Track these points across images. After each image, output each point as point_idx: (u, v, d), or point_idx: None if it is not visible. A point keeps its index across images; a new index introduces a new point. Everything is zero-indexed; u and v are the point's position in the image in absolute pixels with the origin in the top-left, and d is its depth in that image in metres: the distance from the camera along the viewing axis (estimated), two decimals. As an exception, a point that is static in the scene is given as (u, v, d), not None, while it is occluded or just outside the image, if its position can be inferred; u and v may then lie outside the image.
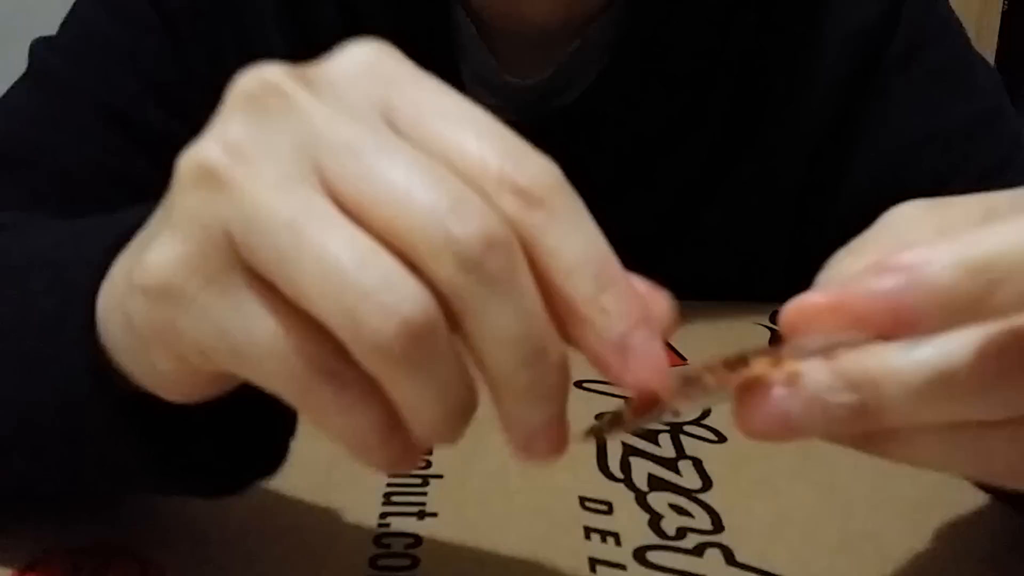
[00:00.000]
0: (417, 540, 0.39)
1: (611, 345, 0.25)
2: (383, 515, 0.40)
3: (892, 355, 0.25)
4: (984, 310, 0.23)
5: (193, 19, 0.60)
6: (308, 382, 0.25)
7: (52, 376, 0.32)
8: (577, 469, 0.44)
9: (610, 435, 0.28)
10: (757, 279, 0.67)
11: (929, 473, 0.44)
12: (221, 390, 0.30)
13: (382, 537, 0.39)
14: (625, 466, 0.44)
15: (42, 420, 0.34)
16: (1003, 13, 2.14)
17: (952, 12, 0.64)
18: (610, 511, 0.41)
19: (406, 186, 0.24)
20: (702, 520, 0.41)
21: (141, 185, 0.59)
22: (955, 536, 0.41)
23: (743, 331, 0.60)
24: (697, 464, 0.45)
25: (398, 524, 0.40)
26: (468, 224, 0.24)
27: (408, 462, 0.27)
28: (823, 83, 0.61)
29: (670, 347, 0.57)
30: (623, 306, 0.25)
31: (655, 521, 0.41)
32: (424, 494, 0.42)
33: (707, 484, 0.43)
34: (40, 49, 0.62)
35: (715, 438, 0.47)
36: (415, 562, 0.37)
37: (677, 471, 0.44)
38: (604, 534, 0.39)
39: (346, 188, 0.24)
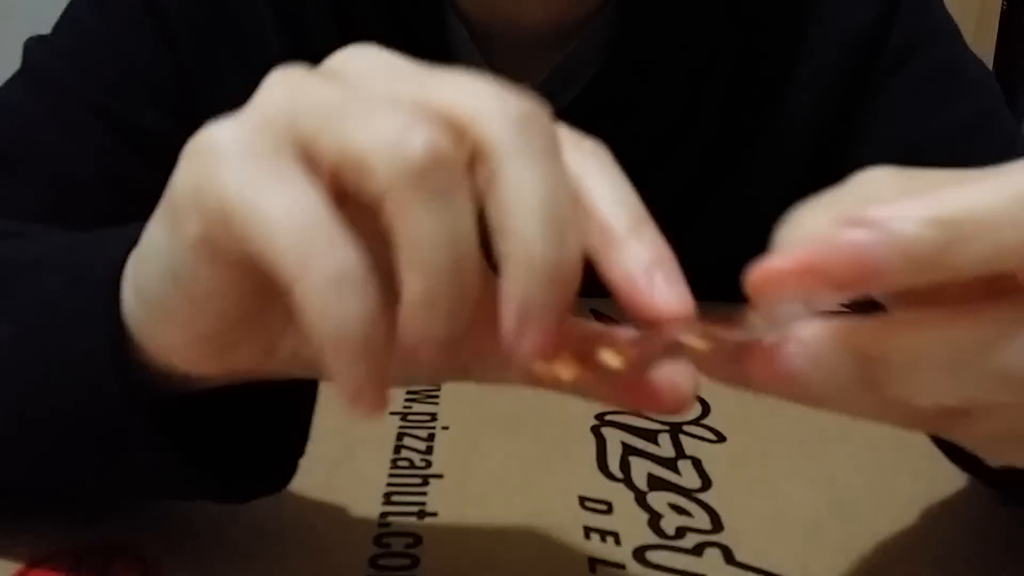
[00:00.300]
0: (417, 540, 0.39)
1: (641, 271, 0.27)
2: (383, 515, 0.40)
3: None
4: (952, 267, 0.23)
5: (188, 21, 0.60)
6: (311, 245, 0.25)
7: (76, 369, 0.33)
8: (577, 469, 0.44)
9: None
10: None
11: (929, 473, 0.45)
12: (231, 357, 0.30)
13: (382, 537, 0.39)
14: (625, 466, 0.44)
15: (64, 415, 0.34)
16: (1002, 13, 2.14)
17: (947, 13, 0.64)
18: (610, 511, 0.41)
19: (463, 86, 0.27)
20: (701, 520, 0.41)
21: (136, 187, 0.59)
22: (954, 535, 0.41)
23: (743, 331, 0.60)
24: (697, 464, 0.45)
25: (398, 524, 0.40)
26: (514, 103, 0.26)
27: (379, 380, 0.25)
28: (820, 83, 0.61)
29: (670, 347, 0.57)
30: (656, 241, 0.28)
31: (655, 521, 0.41)
32: (424, 494, 0.42)
33: (707, 484, 0.43)
34: (34, 48, 0.62)
35: (715, 438, 0.47)
36: (415, 562, 0.37)
37: (677, 471, 0.44)
38: (604, 534, 0.39)
39: (408, 91, 0.26)
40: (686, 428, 0.48)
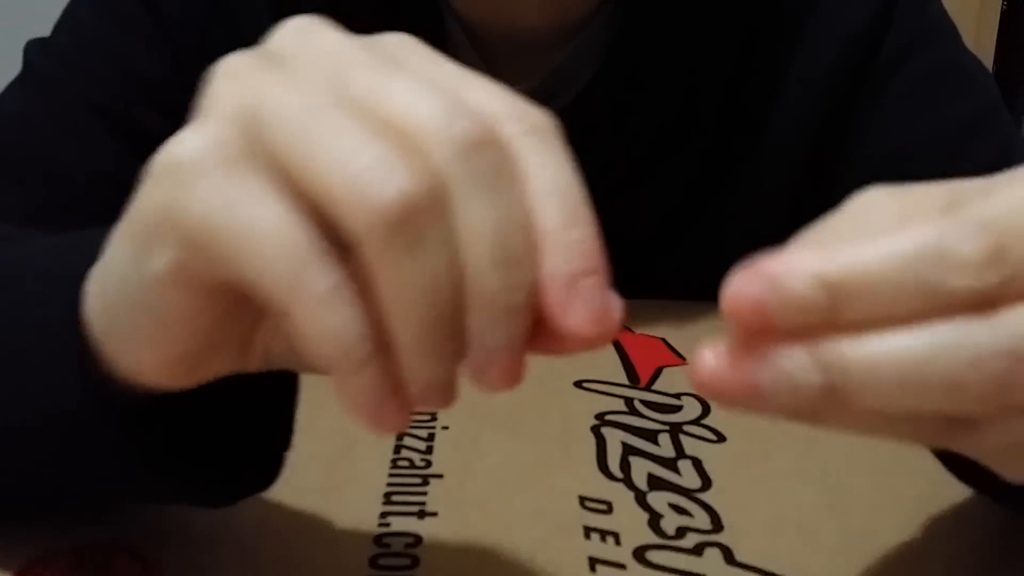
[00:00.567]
0: (417, 540, 0.39)
1: (562, 279, 0.25)
2: (383, 515, 0.40)
3: (867, 342, 0.24)
4: (839, 323, 0.24)
5: (187, 22, 0.60)
6: (302, 265, 0.25)
7: (43, 382, 0.32)
8: (577, 469, 0.44)
9: None
10: None
11: (929, 472, 0.44)
12: (205, 370, 0.30)
13: (382, 537, 0.39)
14: (625, 466, 0.44)
15: (36, 428, 0.33)
16: (1002, 13, 2.14)
17: (945, 13, 0.64)
18: (610, 511, 0.41)
19: (415, 93, 0.26)
20: (701, 520, 0.41)
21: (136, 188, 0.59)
22: (954, 535, 0.41)
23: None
24: (697, 464, 0.45)
25: (398, 524, 0.40)
26: (464, 121, 0.25)
27: (381, 394, 0.25)
28: (816, 86, 0.61)
29: (670, 347, 0.57)
30: (586, 248, 0.26)
31: (655, 521, 0.41)
32: (424, 494, 0.42)
33: (707, 484, 0.43)
34: (34, 51, 0.62)
35: (715, 438, 0.47)
36: (415, 562, 0.37)
37: (677, 471, 0.44)
38: (604, 534, 0.39)
39: (360, 93, 0.26)
40: (686, 428, 0.48)
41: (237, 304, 0.28)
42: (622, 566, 0.38)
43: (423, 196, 0.24)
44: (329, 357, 0.25)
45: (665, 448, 0.46)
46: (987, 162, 0.61)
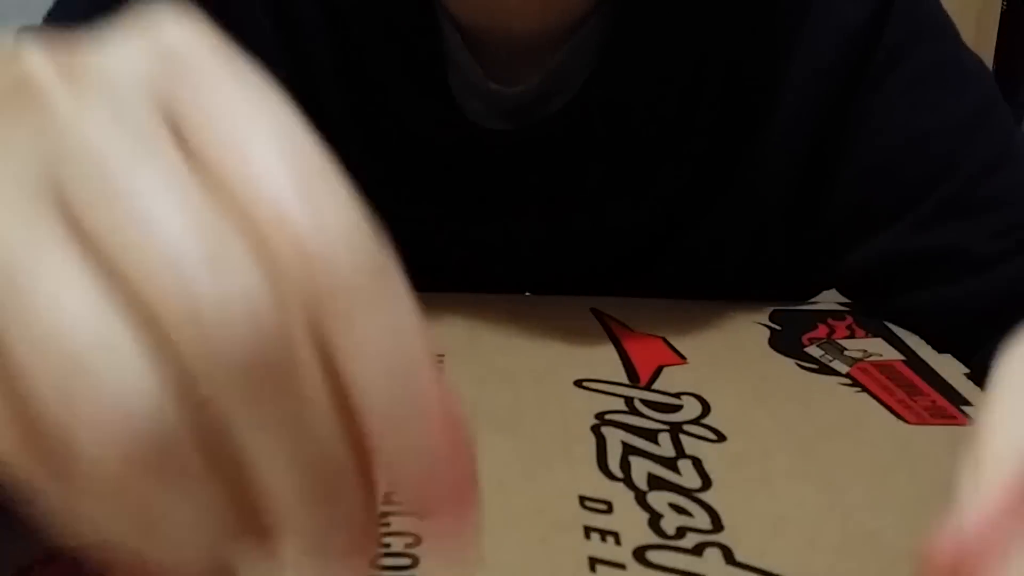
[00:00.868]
0: (417, 540, 0.39)
1: (409, 490, 0.22)
2: (383, 514, 0.40)
3: None
4: None
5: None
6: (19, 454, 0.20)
7: None
8: (577, 468, 0.44)
9: None
10: (752, 281, 0.67)
11: (929, 473, 0.44)
12: None
13: (382, 536, 0.39)
14: (625, 465, 0.44)
15: None
16: (1002, 13, 2.14)
17: (942, 10, 0.64)
18: (610, 510, 0.41)
19: (147, 224, 0.19)
20: (702, 519, 0.41)
21: None
22: (955, 536, 0.41)
23: (743, 330, 0.60)
24: (697, 463, 0.45)
25: (398, 523, 0.40)
26: (225, 293, 0.18)
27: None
28: (814, 84, 0.61)
29: (670, 346, 0.57)
30: (427, 441, 0.21)
31: (655, 520, 0.41)
32: (424, 493, 0.42)
33: (707, 483, 0.43)
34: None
35: (715, 438, 0.47)
36: (415, 562, 0.37)
37: (677, 470, 0.44)
38: (604, 533, 0.39)
39: (86, 217, 0.19)
40: (686, 428, 0.48)
41: None
42: (622, 566, 0.38)
43: (157, 427, 0.18)
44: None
45: (665, 448, 0.46)
46: (987, 157, 0.61)
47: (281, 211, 0.19)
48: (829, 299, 0.67)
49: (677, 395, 0.51)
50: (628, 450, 0.46)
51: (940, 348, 0.59)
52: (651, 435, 0.47)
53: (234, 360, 0.18)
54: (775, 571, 0.38)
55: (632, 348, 0.56)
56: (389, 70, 0.60)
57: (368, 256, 0.20)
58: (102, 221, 0.19)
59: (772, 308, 0.63)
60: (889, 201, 0.62)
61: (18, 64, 0.21)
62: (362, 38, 0.60)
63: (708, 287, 0.66)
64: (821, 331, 0.61)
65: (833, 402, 0.52)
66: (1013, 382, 0.26)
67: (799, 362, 0.56)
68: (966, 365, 0.58)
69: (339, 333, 0.19)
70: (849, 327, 0.61)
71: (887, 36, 0.61)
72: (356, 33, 0.60)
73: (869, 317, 0.62)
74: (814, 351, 0.58)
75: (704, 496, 0.42)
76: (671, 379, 0.53)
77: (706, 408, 0.50)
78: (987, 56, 2.01)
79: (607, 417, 0.49)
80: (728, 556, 0.39)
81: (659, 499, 0.42)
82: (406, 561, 0.37)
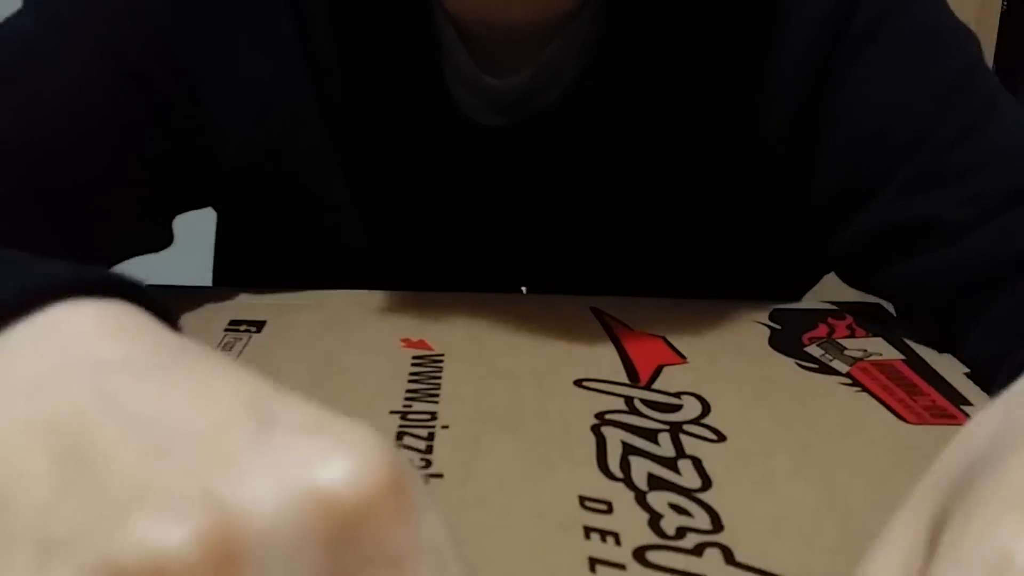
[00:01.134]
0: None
1: None
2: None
3: None
4: None
5: (200, 14, 0.60)
6: None
7: None
8: (577, 468, 0.44)
9: None
10: (749, 273, 0.67)
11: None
12: None
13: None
14: (625, 465, 0.44)
15: None
16: (1002, 13, 2.14)
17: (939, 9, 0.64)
18: (610, 511, 0.41)
19: None
20: (702, 520, 0.41)
21: (132, 131, 0.59)
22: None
23: (743, 330, 0.60)
24: (697, 463, 0.45)
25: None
26: None
27: None
28: (794, 66, 0.61)
29: (670, 346, 0.57)
30: None
31: (655, 521, 0.40)
32: (424, 494, 0.42)
33: (707, 483, 0.43)
34: (6, 29, 0.61)
35: (715, 437, 0.47)
36: (415, 562, 0.37)
37: (677, 470, 0.44)
38: (604, 534, 0.39)
39: None
40: (686, 428, 0.48)
41: None
42: (622, 566, 0.38)
43: None
44: None
45: (665, 448, 0.46)
46: (969, 119, 0.60)
47: None
48: (829, 300, 0.67)
49: (677, 395, 0.51)
50: (628, 450, 0.46)
51: (920, 320, 0.59)
52: (651, 435, 0.47)
53: None
54: (775, 571, 0.38)
55: (632, 348, 0.56)
56: (386, 63, 0.60)
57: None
58: None
59: (772, 307, 0.63)
60: (868, 177, 0.61)
61: (158, 544, 0.17)
62: (361, 30, 0.60)
63: (704, 280, 0.66)
64: (821, 331, 0.61)
65: (833, 402, 0.52)
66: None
67: (799, 362, 0.56)
68: (945, 339, 0.58)
69: None
70: (849, 327, 0.61)
71: (861, 13, 0.61)
72: (356, 26, 0.60)
73: (862, 291, 0.63)
74: (814, 351, 0.58)
75: (704, 496, 0.42)
76: (671, 379, 0.53)
77: (706, 408, 0.50)
78: (987, 56, 2.01)
79: (607, 417, 0.49)
80: (728, 556, 0.39)
81: (659, 499, 0.42)
82: (406, 561, 0.37)
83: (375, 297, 0.62)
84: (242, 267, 0.73)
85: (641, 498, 0.42)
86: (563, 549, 0.38)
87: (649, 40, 0.60)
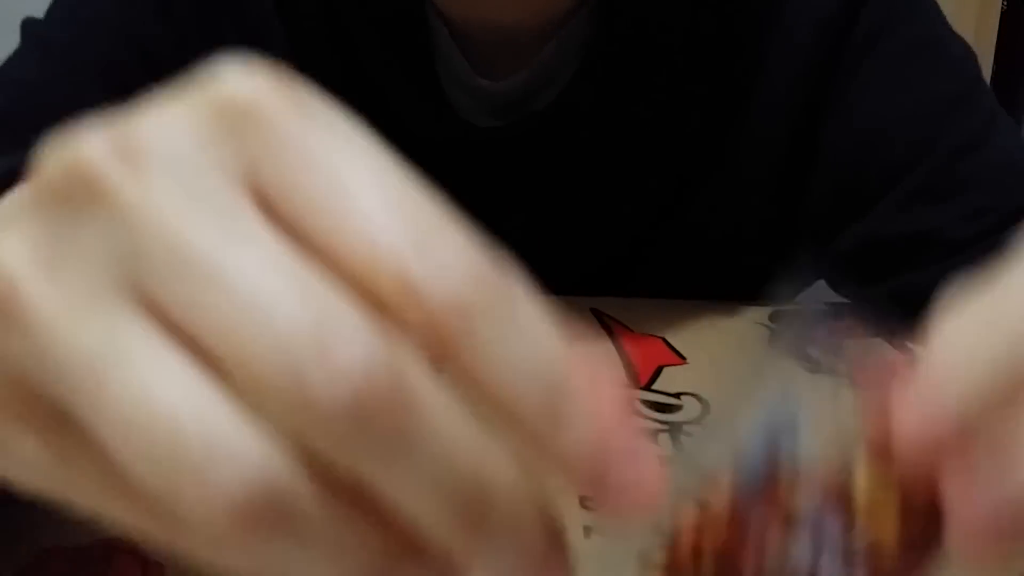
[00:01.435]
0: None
1: (586, 466, 0.20)
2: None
3: None
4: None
5: (192, 6, 0.60)
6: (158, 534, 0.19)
7: None
8: (577, 469, 0.44)
9: None
10: (743, 272, 0.67)
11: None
12: None
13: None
14: (625, 466, 0.44)
15: None
16: (1003, 13, 2.14)
17: (938, 10, 0.64)
18: (610, 511, 0.41)
19: (248, 310, 0.17)
20: (702, 520, 0.41)
21: None
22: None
23: (743, 330, 0.60)
24: (697, 464, 0.45)
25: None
26: (326, 368, 0.17)
27: None
28: (794, 72, 0.61)
29: (670, 346, 0.57)
30: (588, 418, 0.19)
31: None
32: (424, 494, 0.42)
33: (707, 484, 0.43)
34: (32, 24, 0.61)
35: (715, 438, 0.47)
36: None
37: (677, 471, 0.44)
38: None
39: (173, 310, 0.18)
40: (686, 428, 0.48)
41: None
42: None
43: (268, 497, 0.17)
44: None
45: (665, 448, 0.46)
46: (966, 136, 0.60)
47: (394, 267, 0.18)
48: (829, 301, 0.67)
49: (677, 395, 0.51)
50: (628, 450, 0.46)
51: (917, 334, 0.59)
52: (651, 435, 0.47)
53: (350, 420, 0.17)
54: (775, 571, 0.38)
55: (632, 348, 0.56)
56: (380, 65, 0.60)
57: (490, 284, 0.19)
58: (190, 313, 0.18)
59: (772, 308, 0.63)
60: (866, 185, 0.61)
61: (70, 155, 0.19)
62: (356, 33, 0.60)
63: (702, 281, 0.66)
64: (821, 331, 0.61)
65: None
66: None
67: (799, 362, 0.56)
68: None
69: (473, 356, 0.18)
70: (849, 327, 0.61)
71: (864, 19, 0.61)
72: (351, 29, 0.60)
73: (858, 303, 0.63)
74: (814, 351, 0.58)
75: (704, 496, 0.42)
76: (671, 379, 0.53)
77: (706, 408, 0.50)
78: (987, 56, 2.01)
79: (607, 417, 0.48)
80: (728, 556, 0.39)
81: (659, 499, 0.42)
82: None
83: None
84: None
85: (641, 498, 0.42)
86: (563, 549, 0.38)
87: (645, 42, 0.60)
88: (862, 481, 0.22)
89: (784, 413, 0.22)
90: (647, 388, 0.52)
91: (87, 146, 0.19)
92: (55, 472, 0.20)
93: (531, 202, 0.64)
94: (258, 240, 0.18)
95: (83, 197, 0.19)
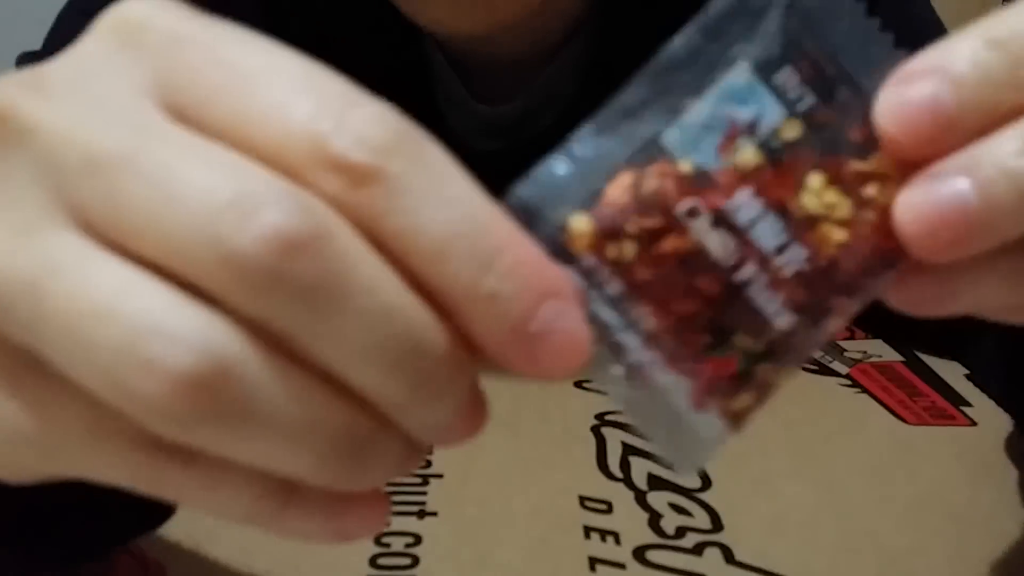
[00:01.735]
0: (417, 539, 0.39)
1: (509, 337, 0.20)
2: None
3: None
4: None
5: None
6: (137, 462, 0.20)
7: None
8: (577, 469, 0.44)
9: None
10: None
11: (928, 472, 0.45)
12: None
13: (382, 536, 0.39)
14: (625, 465, 0.44)
15: None
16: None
17: (932, 10, 0.64)
18: (610, 510, 0.41)
19: (164, 198, 0.18)
20: (701, 519, 0.41)
21: None
22: (954, 535, 0.41)
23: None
24: (697, 464, 0.45)
25: (398, 523, 0.40)
26: (249, 228, 0.18)
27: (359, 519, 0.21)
28: None
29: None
30: (516, 282, 0.19)
31: (655, 520, 0.41)
32: (424, 493, 0.42)
33: (706, 483, 0.43)
34: (26, 60, 0.62)
35: (715, 438, 0.47)
36: (415, 561, 0.37)
37: (677, 471, 0.44)
38: (604, 533, 0.40)
39: (100, 216, 0.19)
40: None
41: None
42: (622, 566, 0.38)
43: (213, 370, 0.18)
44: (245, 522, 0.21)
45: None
46: None
47: (307, 138, 0.19)
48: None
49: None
50: (628, 450, 0.46)
51: (921, 336, 0.59)
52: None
53: (278, 275, 0.18)
54: (775, 571, 0.38)
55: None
56: (375, 88, 0.60)
57: (407, 147, 0.19)
58: (117, 217, 0.19)
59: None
60: None
61: None
62: (348, 57, 0.59)
63: None
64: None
65: (833, 403, 0.52)
66: None
67: (799, 363, 0.56)
68: (947, 351, 0.58)
69: (392, 217, 0.19)
70: (849, 328, 0.62)
71: None
72: (343, 53, 0.59)
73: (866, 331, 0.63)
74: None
75: (704, 496, 0.43)
76: (671, 380, 0.53)
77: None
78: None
79: (607, 417, 0.49)
80: (728, 556, 0.39)
81: (659, 499, 0.42)
82: (406, 561, 0.37)
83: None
84: None
85: (641, 498, 0.42)
86: (563, 549, 0.38)
87: (641, 63, 0.60)
88: (816, 184, 0.21)
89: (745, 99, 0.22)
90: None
91: (1, 91, 0.20)
92: (31, 426, 0.20)
93: None
94: (167, 134, 0.19)
95: (3, 134, 0.20)
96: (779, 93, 0.22)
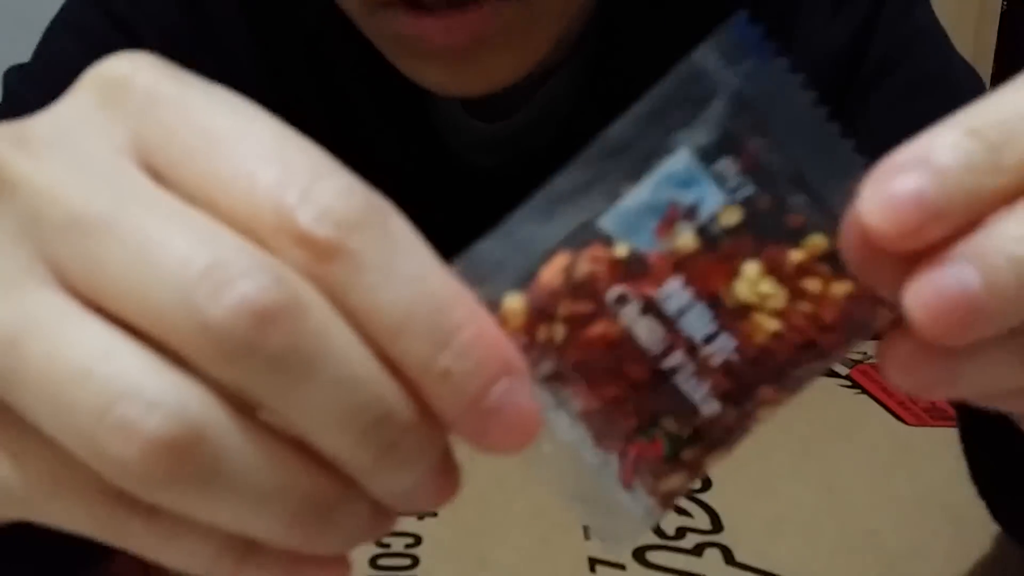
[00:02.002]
0: (417, 540, 0.39)
1: (462, 413, 0.20)
2: (383, 515, 0.40)
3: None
4: (1008, 168, 0.21)
5: (166, 50, 0.59)
6: (100, 514, 0.20)
7: None
8: (577, 469, 0.44)
9: None
10: None
11: (928, 473, 0.45)
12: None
13: (382, 536, 0.39)
14: (625, 466, 0.45)
15: None
16: (1002, 13, 2.14)
17: (933, 18, 0.64)
18: (610, 511, 0.41)
19: (143, 264, 0.19)
20: (701, 520, 0.41)
21: None
22: (954, 535, 0.41)
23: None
24: (697, 464, 0.45)
25: (398, 523, 0.40)
26: (223, 298, 0.18)
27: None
28: None
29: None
30: (470, 361, 0.20)
31: (655, 521, 0.41)
32: (424, 494, 0.42)
33: (706, 484, 0.43)
34: (14, 78, 0.61)
35: (715, 438, 0.47)
36: (415, 562, 0.37)
37: (677, 471, 0.44)
38: (604, 534, 0.40)
39: (80, 276, 0.19)
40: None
41: None
42: (622, 566, 0.38)
43: (187, 431, 0.18)
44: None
45: (665, 448, 0.46)
46: None
47: (273, 207, 0.19)
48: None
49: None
50: (628, 450, 0.46)
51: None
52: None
53: (251, 343, 0.18)
54: (775, 571, 0.38)
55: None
56: (370, 106, 0.59)
57: (371, 221, 0.19)
58: (95, 276, 0.19)
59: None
60: None
61: None
62: (343, 78, 0.59)
63: None
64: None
65: (833, 403, 0.52)
66: None
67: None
68: None
69: (354, 293, 0.19)
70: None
71: (872, 53, 0.60)
72: (337, 74, 0.59)
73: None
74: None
75: (704, 496, 0.43)
76: (671, 379, 0.53)
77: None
78: (987, 56, 2.01)
79: (607, 417, 0.49)
80: (728, 556, 0.39)
81: (659, 499, 0.42)
82: (406, 561, 0.37)
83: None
84: None
85: (641, 498, 0.42)
86: (563, 549, 0.38)
87: (644, 79, 0.60)
88: (752, 273, 0.22)
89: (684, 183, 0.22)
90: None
91: None
92: (10, 477, 0.20)
93: None
94: (146, 197, 0.19)
95: None
96: (720, 180, 0.22)
